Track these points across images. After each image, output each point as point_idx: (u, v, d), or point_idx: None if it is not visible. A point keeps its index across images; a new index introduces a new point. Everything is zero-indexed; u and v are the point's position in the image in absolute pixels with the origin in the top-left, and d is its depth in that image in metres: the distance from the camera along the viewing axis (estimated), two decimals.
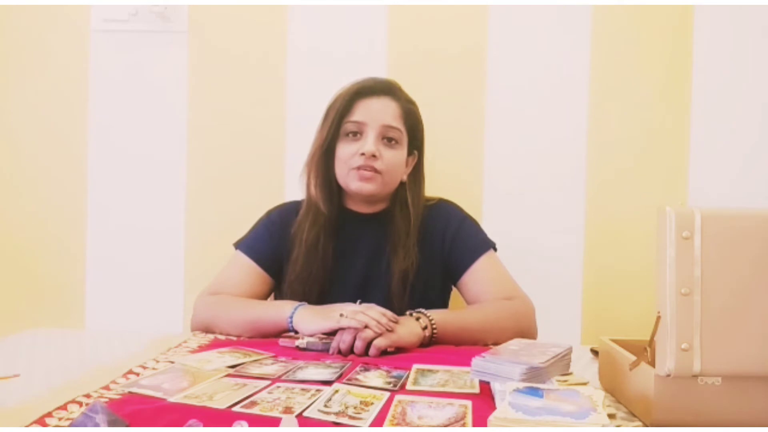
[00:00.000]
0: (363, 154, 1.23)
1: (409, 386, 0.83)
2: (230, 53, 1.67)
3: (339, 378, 0.86)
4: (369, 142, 1.23)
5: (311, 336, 1.07)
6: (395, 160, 1.27)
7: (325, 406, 0.74)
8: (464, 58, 1.65)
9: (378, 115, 1.25)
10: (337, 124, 1.26)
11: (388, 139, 1.26)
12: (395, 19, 1.64)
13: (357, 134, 1.26)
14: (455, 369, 0.91)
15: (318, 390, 0.80)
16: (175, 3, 1.64)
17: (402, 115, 1.28)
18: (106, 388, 0.81)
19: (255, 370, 0.90)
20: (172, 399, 0.76)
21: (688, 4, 1.61)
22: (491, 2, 1.63)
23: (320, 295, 1.24)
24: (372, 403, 0.75)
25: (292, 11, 1.65)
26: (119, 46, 1.67)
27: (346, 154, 1.25)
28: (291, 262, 1.26)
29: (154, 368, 0.91)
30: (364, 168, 1.23)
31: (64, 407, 0.73)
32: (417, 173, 1.35)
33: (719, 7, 1.59)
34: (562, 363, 0.83)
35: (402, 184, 1.32)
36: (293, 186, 1.35)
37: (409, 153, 1.32)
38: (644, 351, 0.77)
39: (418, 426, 0.69)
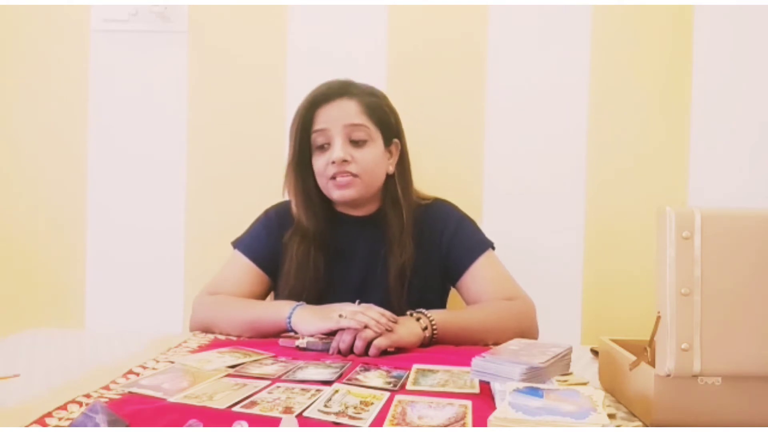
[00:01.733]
0: (333, 162, 1.22)
1: (409, 386, 0.83)
2: (230, 53, 1.67)
3: (339, 378, 0.86)
4: (336, 149, 1.22)
5: (311, 336, 1.07)
6: (370, 158, 1.25)
7: (325, 406, 0.74)
8: (464, 58, 1.65)
9: (338, 118, 1.24)
10: (301, 137, 1.25)
11: (355, 139, 1.25)
12: (395, 19, 1.64)
13: (325, 145, 1.25)
14: (455, 369, 0.91)
15: (318, 390, 0.80)
16: (175, 3, 1.64)
17: (364, 110, 1.26)
18: (106, 388, 0.81)
19: (255, 370, 0.90)
20: (172, 399, 0.76)
21: (688, 4, 1.61)
22: (491, 2, 1.63)
23: (318, 302, 1.21)
24: (372, 403, 0.75)
25: (292, 11, 1.65)
26: (119, 46, 1.67)
27: (321, 166, 1.25)
28: (283, 275, 1.26)
29: (154, 368, 0.91)
30: (340, 175, 1.23)
31: (64, 407, 0.73)
32: (403, 162, 1.33)
33: (719, 7, 1.59)
34: (562, 363, 0.83)
35: (391, 177, 1.30)
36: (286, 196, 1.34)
37: (389, 143, 1.30)
38: (644, 351, 0.77)
39: (418, 426, 0.69)
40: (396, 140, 1.32)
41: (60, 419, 0.70)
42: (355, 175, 1.23)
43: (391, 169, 1.30)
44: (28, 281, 1.69)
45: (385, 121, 1.29)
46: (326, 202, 1.31)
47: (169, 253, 1.68)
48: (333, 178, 1.24)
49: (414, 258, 1.25)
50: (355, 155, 1.24)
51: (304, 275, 1.24)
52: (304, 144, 1.26)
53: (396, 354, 1.03)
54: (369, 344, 1.02)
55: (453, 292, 1.36)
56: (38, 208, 1.69)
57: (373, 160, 1.26)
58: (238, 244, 1.32)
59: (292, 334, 1.12)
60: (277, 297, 1.29)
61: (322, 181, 1.27)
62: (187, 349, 1.04)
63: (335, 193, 1.25)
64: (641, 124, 1.63)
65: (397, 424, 0.69)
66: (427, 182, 1.40)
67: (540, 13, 1.63)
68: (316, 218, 1.27)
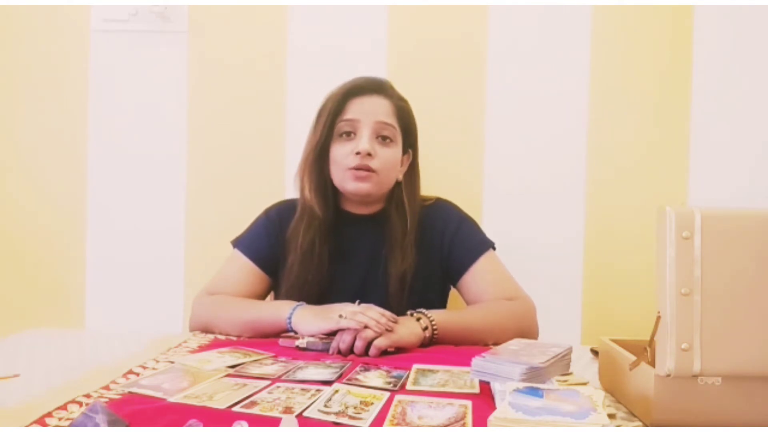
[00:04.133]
0: (358, 153, 1.22)
1: (409, 386, 0.83)
2: (230, 53, 1.67)
3: (339, 378, 0.86)
4: (364, 140, 1.22)
5: (311, 336, 1.07)
6: (390, 159, 1.26)
7: (325, 406, 0.74)
8: (464, 58, 1.65)
9: (371, 113, 1.24)
10: (330, 124, 1.25)
11: (382, 137, 1.25)
12: (395, 19, 1.64)
13: (351, 134, 1.25)
14: (455, 369, 0.91)
15: (318, 390, 0.80)
16: (175, 3, 1.64)
17: (395, 112, 1.28)
18: (106, 388, 0.81)
19: (255, 370, 0.90)
20: (172, 399, 0.76)
21: (688, 4, 1.61)
22: (491, 2, 1.63)
23: (319, 300, 1.22)
24: (372, 403, 0.75)
25: (292, 11, 1.65)
26: (119, 46, 1.67)
27: (341, 154, 1.24)
28: (287, 268, 1.25)
29: (154, 368, 0.91)
30: (360, 168, 1.22)
31: (64, 407, 0.73)
32: (412, 172, 1.34)
33: (719, 7, 1.59)
34: (562, 363, 0.83)
35: (398, 183, 1.31)
36: (293, 186, 1.35)
37: (404, 152, 1.31)
38: (644, 351, 0.77)
39: (418, 426, 0.69)
40: (410, 150, 1.33)
41: (60, 419, 0.70)
42: (373, 171, 1.23)
43: (400, 177, 1.31)
44: (28, 281, 1.69)
45: (408, 129, 1.31)
46: (334, 197, 1.30)
47: (169, 254, 1.68)
48: (351, 169, 1.23)
49: (415, 259, 1.25)
50: (378, 151, 1.24)
51: (308, 267, 1.23)
52: (330, 131, 1.26)
53: (396, 354, 1.03)
54: (369, 344, 1.02)
55: (453, 292, 1.36)
56: (38, 208, 1.69)
57: (393, 161, 1.27)
58: (237, 243, 1.32)
59: (292, 334, 1.12)
60: (277, 291, 1.29)
61: (338, 170, 1.25)
62: (187, 349, 1.04)
63: (350, 185, 1.24)
64: (641, 124, 1.63)
65: (397, 424, 0.69)
66: (427, 182, 1.40)
67: (540, 13, 1.63)
68: (327, 208, 1.27)
